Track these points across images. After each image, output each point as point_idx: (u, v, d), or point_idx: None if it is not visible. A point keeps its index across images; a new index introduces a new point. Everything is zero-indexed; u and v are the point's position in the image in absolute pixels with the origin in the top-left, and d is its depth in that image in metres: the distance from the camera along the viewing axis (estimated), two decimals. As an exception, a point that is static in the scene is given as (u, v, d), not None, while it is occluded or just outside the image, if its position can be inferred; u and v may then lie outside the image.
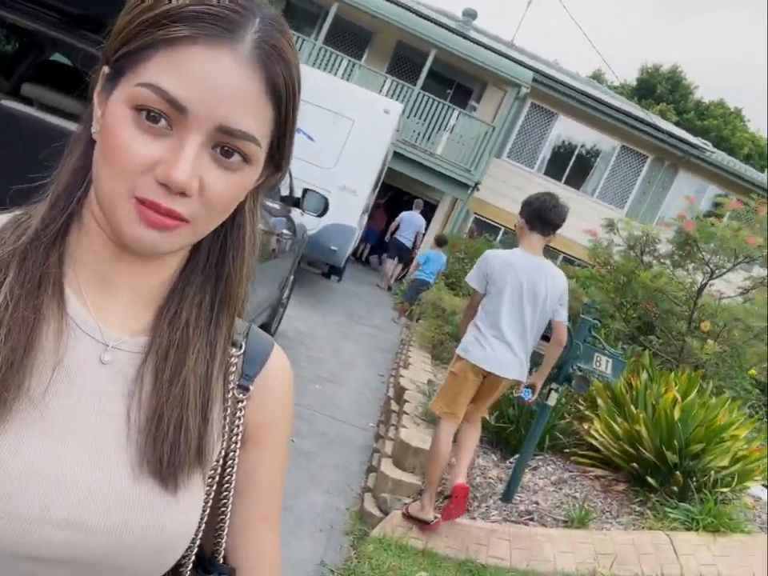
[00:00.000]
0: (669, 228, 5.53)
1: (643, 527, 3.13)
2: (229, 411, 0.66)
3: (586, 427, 3.81)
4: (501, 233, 15.43)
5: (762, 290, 5.13)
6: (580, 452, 3.80)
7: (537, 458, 3.81)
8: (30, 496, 0.54)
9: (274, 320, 5.27)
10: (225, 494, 0.67)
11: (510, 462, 3.80)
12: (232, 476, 0.67)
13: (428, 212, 15.39)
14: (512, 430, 3.89)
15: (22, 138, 2.39)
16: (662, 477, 3.42)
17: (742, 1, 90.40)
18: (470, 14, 18.37)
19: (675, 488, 3.32)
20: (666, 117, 23.82)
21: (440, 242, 10.15)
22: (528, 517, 3.19)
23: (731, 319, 4.80)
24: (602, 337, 4.01)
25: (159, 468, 0.59)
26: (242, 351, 0.68)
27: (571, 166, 15.90)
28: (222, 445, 0.66)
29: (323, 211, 4.92)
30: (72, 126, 2.41)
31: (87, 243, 0.62)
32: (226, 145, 0.56)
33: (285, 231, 4.41)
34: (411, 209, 12.92)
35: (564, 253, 15.28)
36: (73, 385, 0.59)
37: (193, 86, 0.54)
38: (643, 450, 3.36)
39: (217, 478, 0.66)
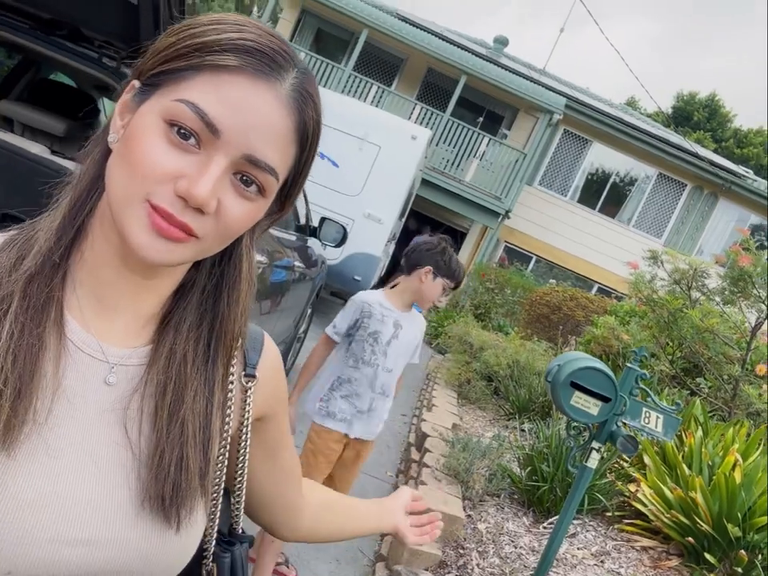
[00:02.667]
0: (717, 262, 5.07)
1: (703, 616, 2.67)
2: (235, 399, 0.69)
3: (632, 490, 3.36)
4: (532, 261, 14.97)
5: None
6: (625, 518, 3.34)
7: (575, 522, 3.36)
8: (42, 521, 0.56)
9: (288, 357, 4.92)
10: (240, 471, 0.72)
11: (544, 527, 3.36)
12: (245, 456, 0.72)
13: (457, 240, 15.03)
14: (545, 489, 3.46)
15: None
16: (722, 552, 2.95)
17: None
18: (502, 42, 18.17)
19: (738, 568, 2.85)
20: (703, 145, 23.20)
21: None
22: (565, 599, 2.75)
23: (792, 364, 4.31)
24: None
25: (162, 505, 0.61)
26: (239, 344, 0.71)
27: (606, 194, 15.42)
28: (228, 432, 0.68)
29: (341, 241, 4.59)
30: (34, 149, 2.15)
31: (92, 261, 0.62)
32: (246, 174, 0.58)
33: (298, 264, 4.09)
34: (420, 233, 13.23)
35: (599, 283, 14.74)
36: (75, 408, 0.60)
37: (231, 112, 0.56)
38: (700, 522, 2.90)
39: (226, 463, 0.69)
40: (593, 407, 2.76)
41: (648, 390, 2.90)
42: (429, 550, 2.97)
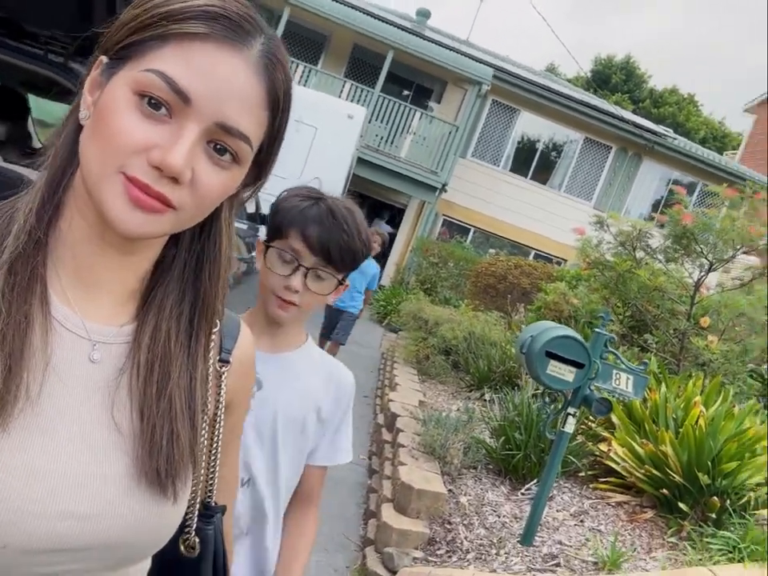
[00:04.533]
0: (656, 222, 5.25)
1: (682, 563, 2.80)
2: (211, 384, 0.70)
3: (604, 449, 3.47)
4: (471, 233, 15.16)
5: (761, 281, 4.88)
6: (597, 477, 3.46)
7: (550, 485, 3.46)
8: (34, 493, 0.56)
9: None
10: (215, 450, 0.74)
11: (522, 494, 3.45)
12: (219, 436, 0.74)
13: (395, 217, 15.05)
14: (520, 456, 3.54)
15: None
16: (693, 500, 3.09)
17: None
18: (424, 14, 18.10)
19: (711, 513, 2.99)
20: (622, 107, 23.90)
21: None
22: (554, 562, 2.82)
23: (735, 314, 4.53)
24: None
25: (158, 478, 0.62)
26: (217, 328, 0.71)
27: (536, 161, 15.71)
28: (207, 413, 0.70)
29: (294, 228, 4.50)
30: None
31: (71, 239, 0.61)
32: (219, 142, 0.58)
33: (254, 254, 3.99)
34: (377, 218, 13.13)
35: (536, 249, 15.08)
36: (64, 385, 0.60)
37: (200, 80, 0.55)
38: (671, 474, 3.03)
39: (205, 443, 0.70)
40: (568, 374, 2.82)
41: (617, 352, 2.99)
42: (417, 528, 3.00)
